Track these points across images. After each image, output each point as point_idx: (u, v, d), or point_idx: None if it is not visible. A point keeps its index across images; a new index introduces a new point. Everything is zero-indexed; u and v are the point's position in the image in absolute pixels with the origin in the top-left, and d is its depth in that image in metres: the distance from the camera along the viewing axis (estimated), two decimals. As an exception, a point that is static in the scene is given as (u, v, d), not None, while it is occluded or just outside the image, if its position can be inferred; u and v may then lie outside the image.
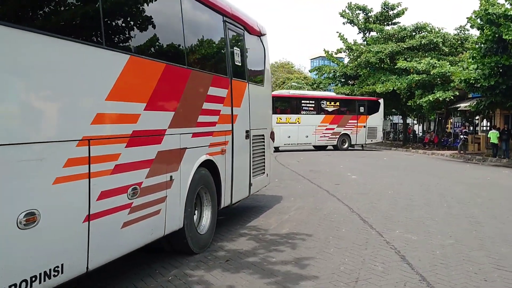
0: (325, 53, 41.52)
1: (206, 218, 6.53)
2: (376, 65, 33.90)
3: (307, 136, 28.89)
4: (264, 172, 8.88)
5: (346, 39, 38.04)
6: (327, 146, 30.42)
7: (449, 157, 25.78)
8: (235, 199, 7.49)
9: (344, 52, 39.89)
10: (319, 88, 49.11)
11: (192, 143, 5.88)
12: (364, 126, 30.94)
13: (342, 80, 41.45)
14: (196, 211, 6.36)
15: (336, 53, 40.73)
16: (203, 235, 6.33)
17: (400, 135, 42.24)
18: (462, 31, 35.92)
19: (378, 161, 22.30)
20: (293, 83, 60.45)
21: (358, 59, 35.14)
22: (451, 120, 36.46)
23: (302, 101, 29.01)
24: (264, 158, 8.86)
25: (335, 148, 30.21)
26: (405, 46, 33.39)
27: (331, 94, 33.56)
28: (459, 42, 34.88)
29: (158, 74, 5.09)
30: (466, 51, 31.82)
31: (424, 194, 11.43)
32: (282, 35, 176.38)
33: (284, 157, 23.42)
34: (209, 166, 6.48)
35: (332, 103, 30.52)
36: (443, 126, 36.03)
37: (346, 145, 30.56)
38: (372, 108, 31.43)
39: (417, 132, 44.63)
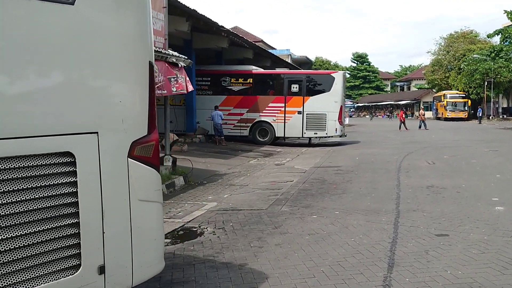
0: (505, 13, 32.05)
1: None
2: None
3: (198, 122, 21.45)
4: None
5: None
6: (236, 136, 21.88)
7: None
8: None
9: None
10: (498, 57, 38.81)
11: None
12: (300, 112, 20.92)
13: (532, 44, 31.50)
14: None
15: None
16: None
17: None
18: None
19: None
20: (474, 55, 49.94)
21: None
22: None
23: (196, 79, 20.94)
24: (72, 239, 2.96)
25: (253, 140, 21.65)
26: None
27: (251, 68, 23.08)
28: None
29: None
30: None
31: None
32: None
33: (419, 154, 16.46)
34: None
35: (241, 80, 21.70)
36: None
37: (267, 138, 21.63)
38: (316, 86, 21.26)
39: None
